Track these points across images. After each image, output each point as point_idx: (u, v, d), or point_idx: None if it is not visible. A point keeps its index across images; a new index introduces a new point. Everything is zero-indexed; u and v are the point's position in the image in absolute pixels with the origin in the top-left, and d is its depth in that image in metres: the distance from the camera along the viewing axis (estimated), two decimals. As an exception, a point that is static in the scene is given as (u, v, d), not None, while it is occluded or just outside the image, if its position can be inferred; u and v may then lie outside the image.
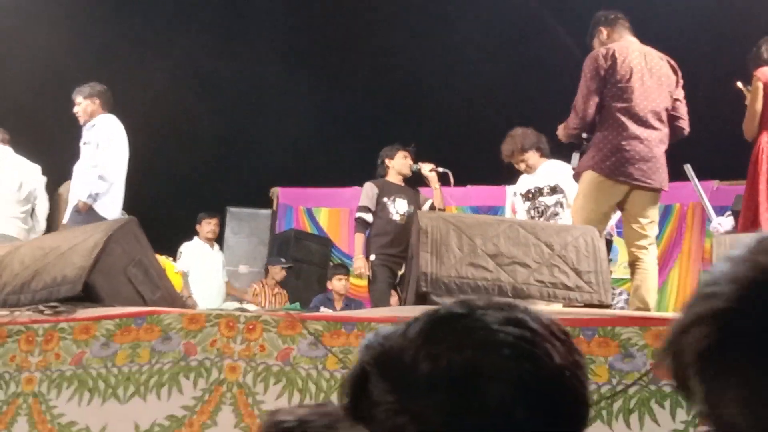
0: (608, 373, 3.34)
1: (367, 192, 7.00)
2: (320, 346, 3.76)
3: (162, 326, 4.01)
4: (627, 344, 3.35)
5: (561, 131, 5.41)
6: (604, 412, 3.29)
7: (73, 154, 6.78)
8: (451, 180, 6.86)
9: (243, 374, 3.83)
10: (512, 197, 9.68)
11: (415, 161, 7.06)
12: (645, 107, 5.08)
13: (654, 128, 5.12)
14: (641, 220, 5.20)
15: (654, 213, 5.33)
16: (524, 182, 6.62)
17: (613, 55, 5.10)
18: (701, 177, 7.10)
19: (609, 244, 5.70)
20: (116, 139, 6.78)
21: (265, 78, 10.92)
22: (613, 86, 5.08)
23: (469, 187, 9.81)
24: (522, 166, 6.56)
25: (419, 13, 10.86)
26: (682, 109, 5.32)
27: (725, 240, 4.09)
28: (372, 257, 6.78)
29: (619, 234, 9.73)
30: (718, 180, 9.24)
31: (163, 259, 7.06)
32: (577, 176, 5.31)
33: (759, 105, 5.36)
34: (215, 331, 3.92)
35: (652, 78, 5.14)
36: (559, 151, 6.23)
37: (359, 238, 7.02)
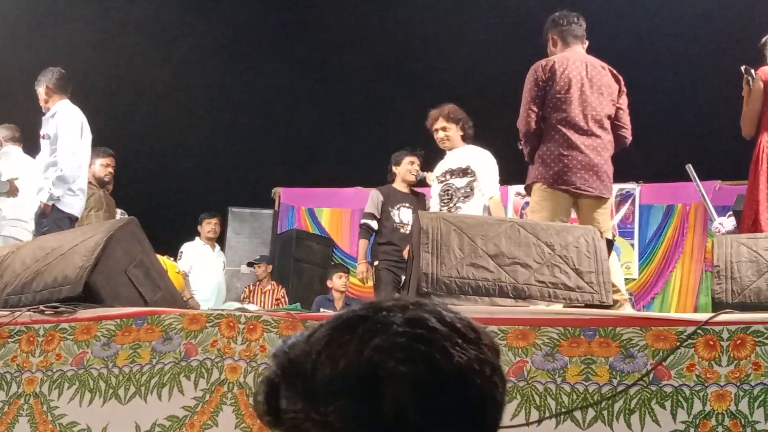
0: (609, 373, 3.33)
1: (373, 199, 7.04)
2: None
3: (163, 326, 4.01)
4: (628, 345, 3.34)
5: (526, 157, 5.48)
6: (604, 413, 3.28)
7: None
8: None
9: (244, 375, 3.83)
10: (514, 197, 9.70)
11: (423, 167, 7.09)
12: (585, 117, 5.16)
13: (596, 136, 5.19)
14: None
15: (603, 219, 5.32)
16: (440, 166, 6.58)
17: (552, 67, 5.19)
18: (703, 177, 7.10)
19: (611, 244, 5.70)
20: (72, 128, 6.61)
21: (268, 78, 10.93)
22: (552, 97, 5.18)
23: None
24: (440, 135, 6.52)
25: (421, 15, 10.86)
26: (625, 118, 5.39)
27: (727, 240, 4.08)
28: (376, 262, 6.81)
29: (621, 234, 9.78)
30: (720, 180, 9.24)
31: (164, 260, 7.07)
32: (528, 189, 5.38)
33: (758, 104, 5.36)
34: (216, 332, 3.92)
35: (592, 87, 5.22)
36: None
37: (363, 244, 7.07)
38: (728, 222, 6.20)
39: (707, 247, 9.39)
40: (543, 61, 5.28)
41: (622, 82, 5.40)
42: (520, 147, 5.50)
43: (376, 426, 0.95)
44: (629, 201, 10.09)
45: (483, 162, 6.37)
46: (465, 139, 6.53)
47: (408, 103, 10.58)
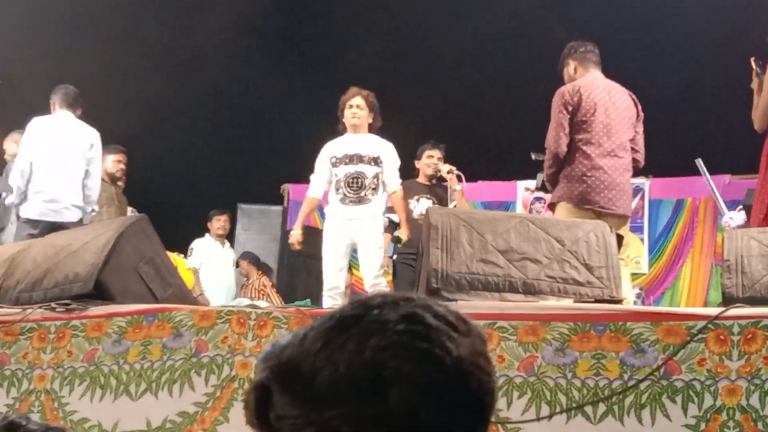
0: (619, 368, 3.33)
1: None
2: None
3: (173, 323, 4.02)
4: (638, 339, 3.34)
5: (545, 177, 5.68)
6: (615, 408, 3.28)
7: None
8: (463, 182, 6.87)
9: (255, 371, 3.83)
10: (523, 193, 9.71)
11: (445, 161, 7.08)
12: (609, 139, 5.41)
13: (618, 157, 5.46)
14: None
15: (625, 234, 5.55)
16: (343, 146, 6.40)
17: (579, 91, 5.43)
18: (713, 171, 7.08)
19: (620, 239, 5.71)
20: (27, 143, 6.81)
21: (276, 74, 10.93)
22: (579, 120, 5.41)
23: (480, 182, 9.81)
24: (354, 111, 6.39)
25: (428, 9, 10.85)
26: (640, 143, 5.68)
27: (737, 234, 4.06)
28: (395, 256, 6.82)
29: (631, 229, 9.73)
30: (730, 174, 9.20)
31: (174, 256, 7.09)
32: (552, 207, 5.61)
33: None
34: (226, 328, 3.93)
35: (615, 111, 5.47)
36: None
37: (384, 238, 7.08)
38: (738, 216, 6.17)
39: (717, 241, 9.36)
40: (569, 86, 5.52)
41: (640, 107, 5.66)
42: (534, 157, 5.84)
43: (385, 427, 0.94)
44: (639, 195, 10.06)
45: (391, 154, 6.35)
46: (371, 129, 6.47)
47: (418, 99, 10.59)
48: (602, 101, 5.44)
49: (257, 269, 9.94)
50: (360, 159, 6.28)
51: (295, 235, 6.47)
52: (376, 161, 6.28)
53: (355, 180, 6.22)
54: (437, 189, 7.12)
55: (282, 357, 1.02)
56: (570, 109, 5.40)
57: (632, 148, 5.59)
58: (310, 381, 0.97)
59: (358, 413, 0.94)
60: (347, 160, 6.30)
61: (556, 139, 5.43)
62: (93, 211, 6.85)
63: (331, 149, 6.40)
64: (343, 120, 6.45)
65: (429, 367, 0.96)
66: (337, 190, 6.24)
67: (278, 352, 1.04)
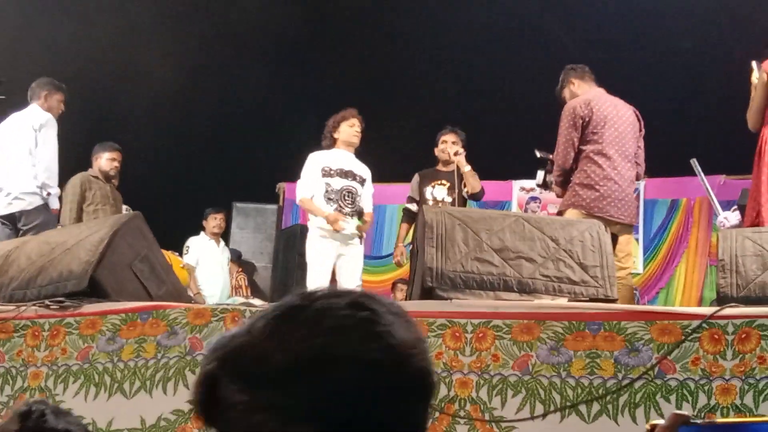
0: (614, 367, 3.33)
1: (412, 182, 7.26)
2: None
3: (168, 321, 4.02)
4: (633, 338, 3.34)
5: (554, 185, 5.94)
6: (609, 407, 3.28)
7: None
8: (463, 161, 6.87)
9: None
10: (519, 192, 9.71)
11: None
12: (617, 151, 5.58)
13: (626, 169, 5.63)
14: (618, 253, 5.50)
15: (629, 246, 5.83)
16: (338, 159, 6.58)
17: (589, 104, 5.60)
18: (708, 171, 7.08)
19: (615, 239, 5.73)
20: None
21: (271, 73, 10.92)
22: (591, 132, 5.56)
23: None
24: (358, 130, 6.66)
25: (425, 8, 10.85)
26: (641, 156, 5.83)
27: (731, 234, 4.07)
28: (410, 246, 6.85)
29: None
30: (725, 174, 9.22)
31: (169, 254, 7.07)
32: (560, 214, 5.71)
33: (764, 97, 5.34)
34: (221, 326, 3.92)
35: (623, 125, 5.65)
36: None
37: (402, 228, 7.27)
38: (733, 216, 6.18)
39: (712, 241, 9.37)
40: (579, 99, 5.68)
41: (642, 123, 5.81)
42: (539, 155, 6.03)
43: (338, 405, 0.97)
44: (634, 196, 10.08)
45: (370, 179, 6.75)
46: (355, 151, 6.71)
47: (414, 98, 10.59)
48: (611, 114, 5.61)
49: (237, 266, 9.98)
50: (353, 176, 6.55)
51: (333, 215, 6.43)
52: (362, 182, 6.60)
53: (349, 194, 6.44)
54: (453, 175, 7.08)
55: (231, 346, 1.04)
56: (580, 122, 5.56)
57: (635, 162, 5.75)
58: (262, 366, 1.00)
59: (312, 393, 0.97)
60: (342, 174, 6.50)
61: (565, 155, 5.62)
62: (50, 194, 6.69)
63: (323, 160, 6.53)
64: (335, 135, 6.65)
65: (379, 348, 1.00)
66: (329, 200, 6.33)
67: (226, 342, 1.05)
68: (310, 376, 0.97)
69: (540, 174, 6.07)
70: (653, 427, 0.96)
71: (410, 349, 1.03)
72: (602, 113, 5.58)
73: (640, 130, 5.82)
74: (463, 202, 6.83)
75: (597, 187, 5.52)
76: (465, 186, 6.82)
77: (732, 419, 0.96)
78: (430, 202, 6.85)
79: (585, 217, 5.38)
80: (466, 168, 6.83)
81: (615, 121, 5.61)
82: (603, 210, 5.48)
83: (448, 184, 6.91)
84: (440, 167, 7.11)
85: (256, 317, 1.06)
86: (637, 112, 5.81)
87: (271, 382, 0.98)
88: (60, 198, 6.91)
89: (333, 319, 1.01)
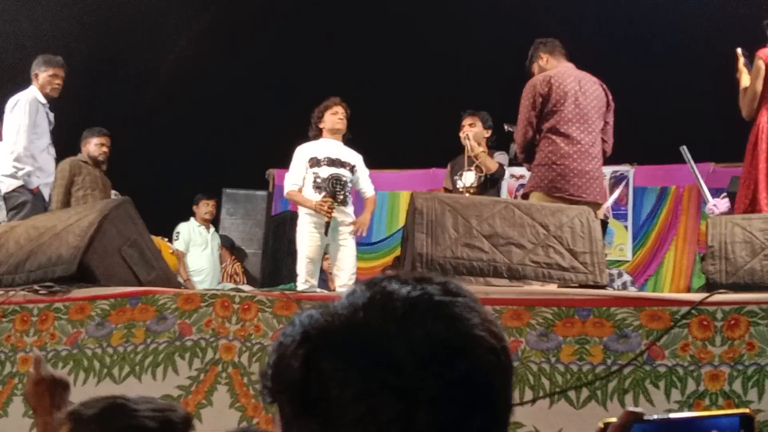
0: (603, 353, 3.35)
1: (446, 172, 7.22)
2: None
3: (157, 306, 4.01)
4: (622, 325, 3.35)
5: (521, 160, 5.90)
6: (598, 393, 3.30)
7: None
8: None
9: (238, 354, 3.83)
10: (508, 179, 9.69)
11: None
12: (577, 128, 5.46)
13: (586, 145, 5.49)
14: None
15: None
16: (324, 148, 6.52)
17: (549, 81, 5.49)
18: (698, 159, 7.10)
19: (604, 225, 5.73)
20: None
21: (261, 59, 10.89)
22: (549, 110, 5.47)
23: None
24: (341, 116, 6.58)
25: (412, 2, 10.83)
26: (609, 132, 5.71)
27: (721, 220, 4.08)
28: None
29: (615, 216, 9.79)
30: (714, 162, 9.24)
31: (158, 240, 7.05)
32: (525, 197, 5.63)
33: (759, 85, 5.35)
34: (210, 311, 3.92)
35: (585, 100, 5.52)
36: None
37: None
38: (722, 203, 6.19)
39: (701, 229, 9.40)
40: (540, 77, 5.57)
41: (611, 97, 5.68)
42: (506, 128, 6.18)
43: (465, 393, 0.96)
44: (623, 183, 10.09)
45: (362, 163, 6.67)
46: (344, 138, 6.65)
47: (408, 83, 10.57)
48: (572, 91, 5.48)
49: (231, 254, 9.94)
50: (341, 164, 6.47)
51: (320, 201, 6.36)
52: (352, 169, 6.51)
53: (338, 181, 6.36)
54: (472, 159, 7.00)
55: (334, 329, 0.99)
56: (540, 100, 5.46)
57: (601, 138, 5.62)
58: (381, 351, 0.95)
59: (441, 381, 0.95)
60: (329, 163, 6.43)
61: (524, 133, 5.54)
62: (28, 173, 6.68)
63: (310, 151, 6.49)
64: (320, 125, 6.61)
65: (492, 334, 1.01)
66: (318, 188, 6.29)
67: (323, 325, 0.99)
68: (443, 363, 0.95)
69: (512, 147, 6.08)
70: (606, 425, 0.96)
71: (502, 331, 1.04)
72: (562, 89, 5.46)
73: (608, 105, 5.67)
74: (485, 185, 6.77)
75: (554, 166, 5.40)
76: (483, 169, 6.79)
77: (686, 414, 0.94)
78: (460, 189, 6.81)
79: (546, 199, 5.31)
80: (477, 151, 6.77)
81: (577, 97, 5.48)
82: (561, 190, 5.37)
83: (472, 170, 6.85)
84: (466, 152, 7.01)
85: (348, 302, 1.00)
86: (605, 87, 5.68)
87: (392, 368, 0.94)
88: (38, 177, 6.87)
89: (447, 306, 1.00)
